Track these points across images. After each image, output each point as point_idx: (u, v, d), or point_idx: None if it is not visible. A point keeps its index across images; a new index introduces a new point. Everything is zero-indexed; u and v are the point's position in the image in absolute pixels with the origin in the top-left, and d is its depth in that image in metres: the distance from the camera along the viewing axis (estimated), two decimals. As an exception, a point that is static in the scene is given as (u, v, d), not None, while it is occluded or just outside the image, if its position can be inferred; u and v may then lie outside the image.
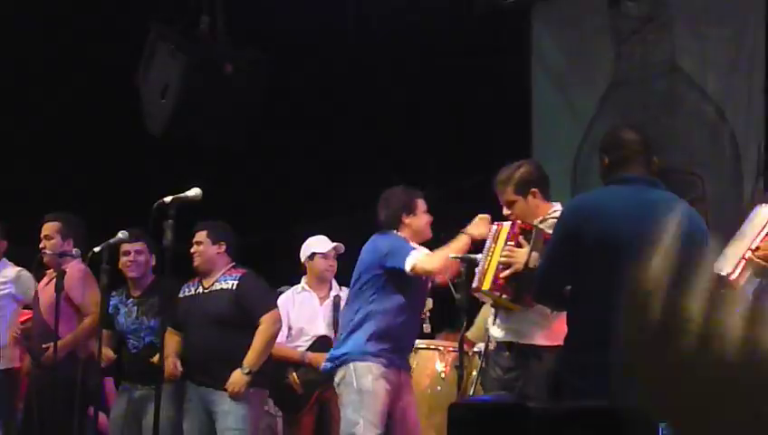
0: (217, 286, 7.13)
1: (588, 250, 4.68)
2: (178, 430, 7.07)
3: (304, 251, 7.97)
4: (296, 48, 9.93)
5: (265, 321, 7.00)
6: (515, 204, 5.79)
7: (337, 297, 7.86)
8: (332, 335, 7.68)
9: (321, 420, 7.72)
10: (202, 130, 8.83)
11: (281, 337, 7.61)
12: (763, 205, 5.71)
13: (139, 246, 7.30)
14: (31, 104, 10.30)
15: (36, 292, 7.50)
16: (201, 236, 7.23)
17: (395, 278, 6.37)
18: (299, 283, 8.06)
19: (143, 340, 7.32)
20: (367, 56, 9.99)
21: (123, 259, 7.33)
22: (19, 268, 7.91)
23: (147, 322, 7.31)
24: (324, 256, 7.92)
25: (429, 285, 6.57)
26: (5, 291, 7.89)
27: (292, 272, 8.25)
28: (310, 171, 10.54)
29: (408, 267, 6.26)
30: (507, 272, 5.57)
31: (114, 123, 9.98)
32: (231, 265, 7.22)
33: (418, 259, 6.29)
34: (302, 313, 7.89)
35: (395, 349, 6.44)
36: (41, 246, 7.47)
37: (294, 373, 7.67)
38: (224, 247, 7.21)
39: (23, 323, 8.35)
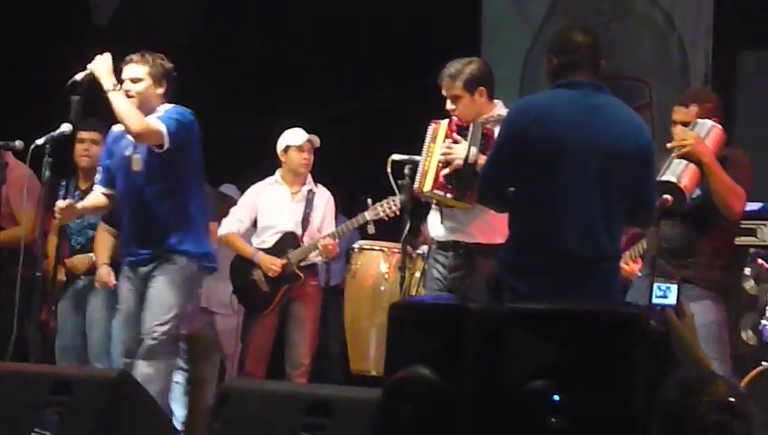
0: None
1: (531, 153, 4.68)
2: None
3: (279, 144, 7.68)
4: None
5: None
6: (461, 100, 5.79)
7: (310, 192, 7.65)
8: (300, 232, 7.56)
9: (283, 320, 7.55)
10: (149, 21, 8.73)
11: (240, 228, 7.57)
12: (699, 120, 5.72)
13: (95, 135, 7.13)
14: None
15: None
16: None
17: None
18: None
19: (86, 235, 7.22)
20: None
21: (78, 147, 7.10)
22: None
23: (89, 218, 7.10)
24: (299, 148, 7.61)
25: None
26: None
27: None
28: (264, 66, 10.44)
29: None
30: (448, 169, 5.59)
31: (60, 13, 9.84)
32: None
33: None
34: (271, 207, 7.64)
35: None
36: None
37: (260, 271, 7.51)
38: None
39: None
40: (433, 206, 5.93)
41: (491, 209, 5.22)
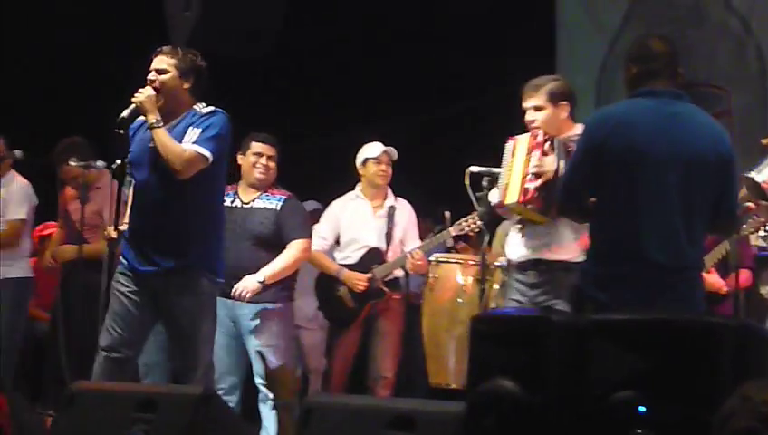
0: (260, 204, 6.98)
1: (611, 163, 4.68)
2: None
3: (358, 158, 7.68)
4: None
5: (296, 245, 6.88)
6: (543, 111, 5.73)
7: (391, 208, 7.62)
8: (384, 247, 7.54)
9: (368, 335, 7.54)
10: (226, 42, 8.80)
11: (324, 245, 7.54)
12: None
13: None
14: (58, 17, 10.31)
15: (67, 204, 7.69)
16: (273, 151, 7.07)
17: None
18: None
19: None
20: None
21: None
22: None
23: None
24: (376, 160, 7.60)
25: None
26: None
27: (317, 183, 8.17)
28: (342, 80, 10.47)
29: None
30: (539, 182, 5.54)
31: (137, 36, 9.96)
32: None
33: None
34: (354, 221, 7.63)
35: None
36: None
37: (345, 287, 7.49)
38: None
39: (44, 236, 8.48)
40: (513, 226, 5.90)
41: (571, 220, 5.20)
